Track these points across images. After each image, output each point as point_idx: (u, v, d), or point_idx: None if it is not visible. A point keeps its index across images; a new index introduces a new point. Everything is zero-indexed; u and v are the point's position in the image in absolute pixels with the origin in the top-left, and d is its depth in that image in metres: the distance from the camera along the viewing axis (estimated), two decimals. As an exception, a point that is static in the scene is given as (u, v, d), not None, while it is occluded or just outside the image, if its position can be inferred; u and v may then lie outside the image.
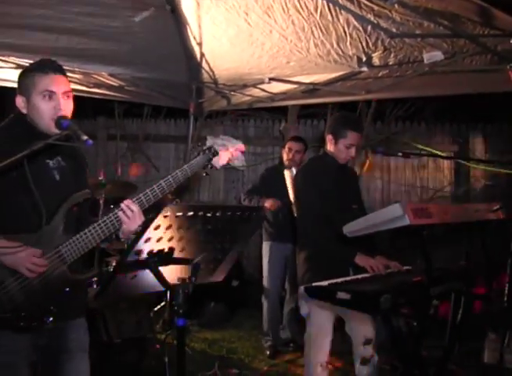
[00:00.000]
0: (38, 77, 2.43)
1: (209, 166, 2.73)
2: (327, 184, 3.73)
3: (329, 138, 3.81)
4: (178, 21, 4.59)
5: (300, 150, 5.61)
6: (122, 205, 2.44)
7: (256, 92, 5.85)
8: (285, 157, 5.66)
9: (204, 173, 2.78)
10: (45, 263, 2.36)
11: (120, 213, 2.43)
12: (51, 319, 2.42)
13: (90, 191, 2.64)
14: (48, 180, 2.50)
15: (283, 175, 5.36)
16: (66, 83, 2.50)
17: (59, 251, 2.41)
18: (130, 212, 2.43)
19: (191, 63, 5.37)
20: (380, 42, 4.13)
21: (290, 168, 5.35)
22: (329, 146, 3.83)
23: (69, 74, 4.98)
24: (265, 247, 5.75)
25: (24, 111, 2.47)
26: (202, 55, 5.12)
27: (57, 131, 2.38)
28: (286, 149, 5.65)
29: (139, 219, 2.45)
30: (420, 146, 6.61)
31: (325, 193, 3.69)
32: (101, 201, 4.39)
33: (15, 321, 2.33)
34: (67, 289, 2.48)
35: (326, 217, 3.63)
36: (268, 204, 5.42)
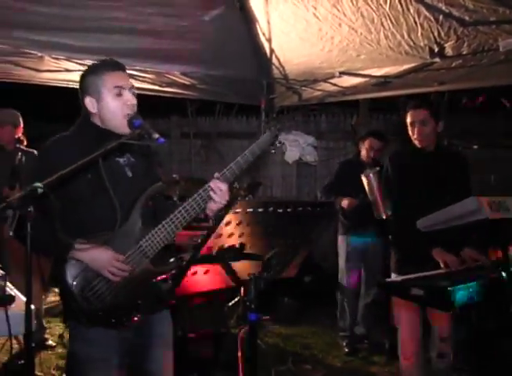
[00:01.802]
0: (107, 75, 2.46)
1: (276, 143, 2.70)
2: (406, 173, 3.73)
3: None
4: (246, 18, 4.64)
5: (381, 147, 5.44)
6: (212, 185, 2.45)
7: (327, 86, 5.80)
8: (364, 153, 5.51)
9: (272, 150, 2.75)
10: (126, 267, 2.40)
11: (212, 193, 2.44)
12: (139, 314, 2.48)
13: (163, 184, 2.66)
14: (121, 178, 2.53)
15: (358, 169, 5.20)
16: (129, 79, 2.56)
17: (141, 246, 2.44)
18: (220, 191, 2.45)
19: (261, 60, 5.40)
20: (452, 32, 4.01)
21: (370, 165, 5.19)
22: None
23: (142, 74, 5.22)
24: (341, 240, 5.68)
25: (94, 111, 2.48)
26: (272, 51, 5.14)
27: (128, 130, 2.40)
28: (367, 145, 5.47)
29: (228, 196, 2.48)
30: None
31: (403, 182, 3.71)
32: (175, 198, 4.47)
33: (106, 319, 2.40)
34: (152, 282, 2.53)
35: (406, 207, 3.62)
36: (344, 203, 5.37)
